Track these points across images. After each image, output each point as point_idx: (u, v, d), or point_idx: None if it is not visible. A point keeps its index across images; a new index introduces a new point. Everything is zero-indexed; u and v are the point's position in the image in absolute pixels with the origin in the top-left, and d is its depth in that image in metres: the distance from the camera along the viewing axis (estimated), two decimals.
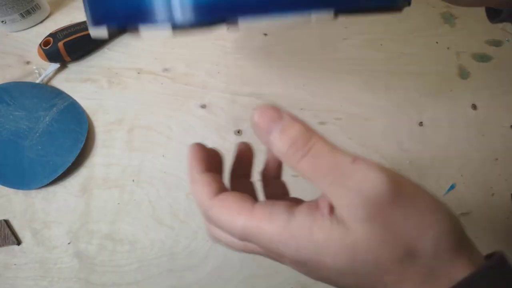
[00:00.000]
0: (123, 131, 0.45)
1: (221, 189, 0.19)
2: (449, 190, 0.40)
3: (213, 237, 0.20)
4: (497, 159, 0.41)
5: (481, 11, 0.52)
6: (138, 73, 0.49)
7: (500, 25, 0.51)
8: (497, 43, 0.50)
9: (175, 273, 0.37)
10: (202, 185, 0.19)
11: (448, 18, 0.52)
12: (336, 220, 0.16)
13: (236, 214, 0.17)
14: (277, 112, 0.16)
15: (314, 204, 0.17)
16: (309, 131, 0.16)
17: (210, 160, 0.20)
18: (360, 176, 0.15)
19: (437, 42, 0.51)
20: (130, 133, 0.45)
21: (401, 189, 0.15)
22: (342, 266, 0.16)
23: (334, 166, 0.15)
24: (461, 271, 0.17)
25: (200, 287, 0.36)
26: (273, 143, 0.16)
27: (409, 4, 0.22)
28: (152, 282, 0.37)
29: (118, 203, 0.41)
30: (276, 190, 0.21)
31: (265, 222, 0.16)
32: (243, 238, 0.17)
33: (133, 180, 0.42)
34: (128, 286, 0.37)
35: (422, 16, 0.54)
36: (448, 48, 0.50)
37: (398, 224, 0.15)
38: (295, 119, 0.16)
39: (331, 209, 0.16)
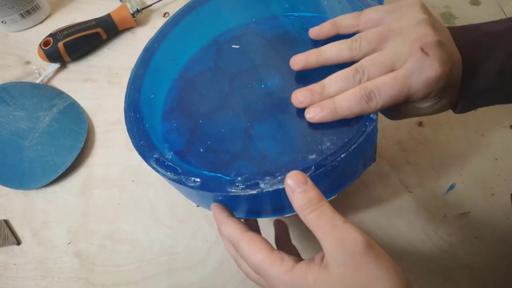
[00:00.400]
0: (123, 131, 0.45)
1: (246, 228, 0.26)
2: (448, 190, 0.40)
3: (237, 263, 0.28)
4: (496, 159, 0.41)
5: (481, 11, 0.52)
6: None
7: None
8: None
9: (174, 273, 0.37)
10: (233, 224, 0.26)
11: (448, 18, 0.52)
12: (323, 266, 0.22)
13: (258, 250, 0.24)
14: (304, 177, 0.23)
15: (312, 258, 0.23)
16: (321, 197, 0.23)
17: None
18: (345, 231, 0.21)
19: None
20: None
21: (371, 247, 0.21)
22: None
23: (330, 221, 0.22)
24: None
25: (199, 287, 0.36)
26: (295, 198, 0.23)
27: (374, 160, 0.30)
28: (152, 281, 0.37)
29: (118, 203, 0.41)
30: (289, 252, 0.26)
31: (277, 263, 0.23)
32: (257, 270, 0.24)
33: (132, 180, 0.42)
34: (127, 285, 0.37)
35: None
36: None
37: (363, 271, 0.20)
38: (314, 186, 0.23)
39: (322, 259, 0.22)
